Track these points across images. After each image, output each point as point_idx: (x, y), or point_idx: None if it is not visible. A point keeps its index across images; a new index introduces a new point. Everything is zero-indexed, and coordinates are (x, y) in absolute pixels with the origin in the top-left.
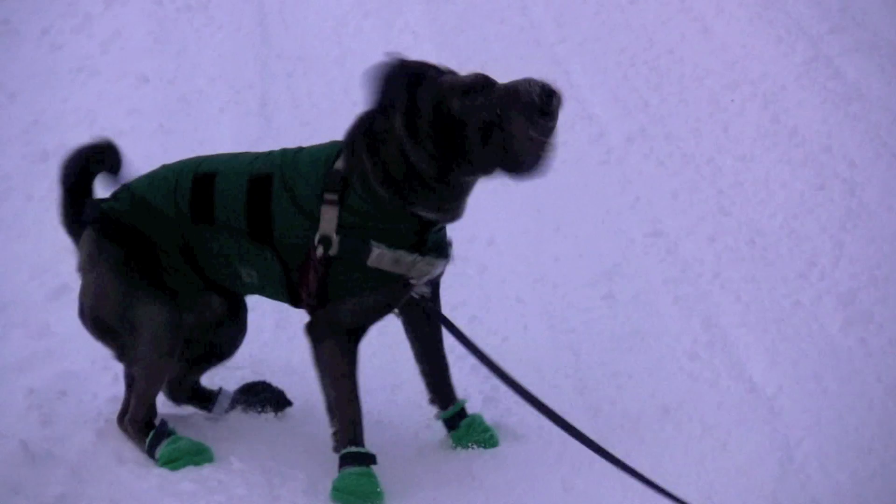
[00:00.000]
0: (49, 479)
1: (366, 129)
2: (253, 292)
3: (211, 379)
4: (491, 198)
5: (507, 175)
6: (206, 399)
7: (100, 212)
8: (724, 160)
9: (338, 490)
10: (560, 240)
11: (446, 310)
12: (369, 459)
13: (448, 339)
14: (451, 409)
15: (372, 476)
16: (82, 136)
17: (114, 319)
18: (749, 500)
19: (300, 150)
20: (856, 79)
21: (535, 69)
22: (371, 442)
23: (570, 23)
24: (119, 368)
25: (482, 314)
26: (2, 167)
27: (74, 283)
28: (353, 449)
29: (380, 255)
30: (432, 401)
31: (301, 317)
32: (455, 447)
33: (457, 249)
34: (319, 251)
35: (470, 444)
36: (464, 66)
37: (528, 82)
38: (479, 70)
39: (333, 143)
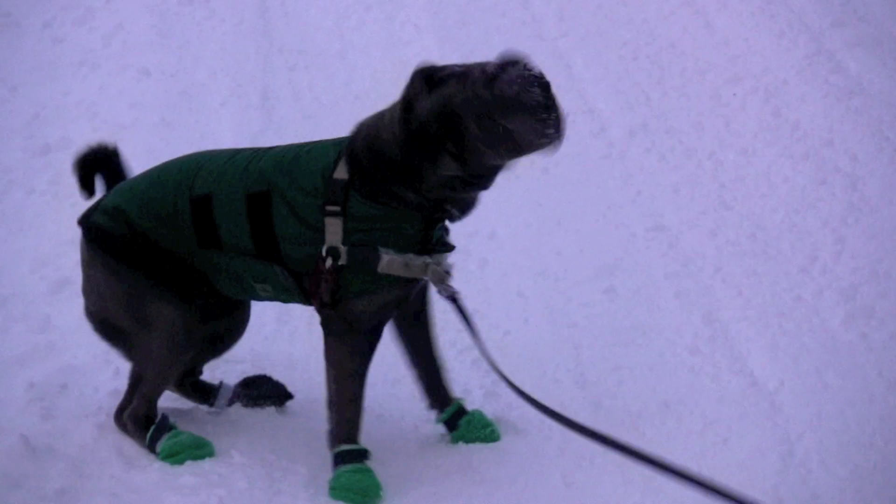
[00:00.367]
0: (50, 472)
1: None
2: (269, 300)
3: (212, 373)
4: (492, 192)
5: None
6: (207, 393)
7: (95, 227)
8: (725, 154)
9: (335, 489)
10: (561, 234)
11: (447, 304)
12: (363, 456)
13: (447, 336)
14: (449, 410)
15: (368, 471)
16: (84, 130)
17: (124, 320)
18: (750, 495)
19: (296, 157)
20: (858, 73)
21: (536, 63)
22: (372, 436)
23: (571, 17)
24: (121, 362)
25: (483, 308)
26: (3, 161)
27: (75, 276)
28: (346, 447)
29: (390, 262)
30: (430, 405)
31: (303, 310)
32: (456, 443)
33: (458, 243)
34: (328, 263)
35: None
36: (465, 60)
37: (523, 80)
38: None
39: (326, 148)
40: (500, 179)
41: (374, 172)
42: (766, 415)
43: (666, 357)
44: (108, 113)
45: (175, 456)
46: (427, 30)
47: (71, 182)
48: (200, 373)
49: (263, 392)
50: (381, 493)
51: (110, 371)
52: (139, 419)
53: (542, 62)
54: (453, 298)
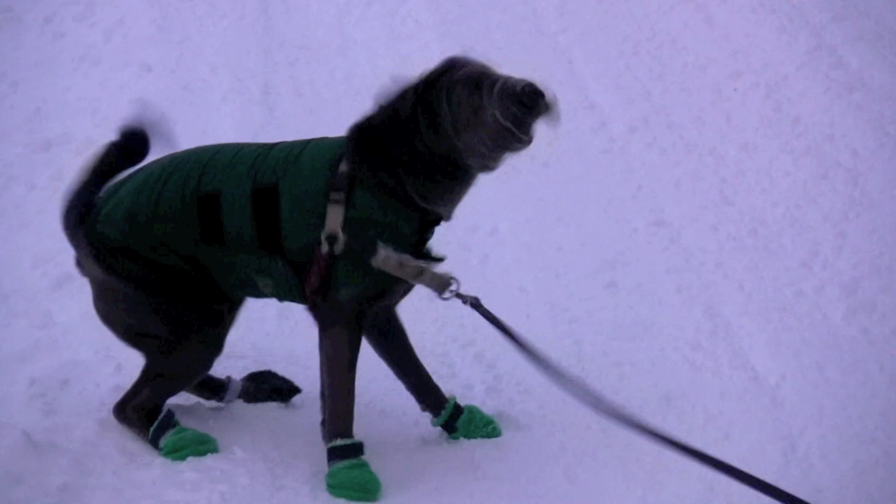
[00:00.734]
0: (52, 468)
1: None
2: (269, 296)
3: (214, 368)
4: (493, 187)
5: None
6: (217, 388)
7: (97, 239)
8: (726, 149)
9: (335, 487)
10: (562, 229)
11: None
12: (357, 450)
13: (448, 332)
14: (444, 414)
15: (364, 466)
16: (85, 125)
17: (156, 328)
18: (751, 490)
19: (300, 153)
20: (858, 68)
21: (537, 58)
22: (374, 432)
23: (572, 12)
24: (123, 358)
25: (485, 303)
26: (4, 156)
27: (77, 272)
28: (340, 442)
29: (386, 258)
30: (424, 409)
31: (304, 307)
32: (457, 439)
33: (459, 238)
34: (325, 248)
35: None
36: (466, 54)
37: (522, 79)
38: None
39: (331, 145)
40: (501, 175)
41: (376, 164)
42: (767, 409)
43: (667, 352)
44: (110, 108)
45: (178, 452)
46: (428, 25)
47: (72, 177)
48: None
49: (270, 386)
50: (380, 486)
51: (112, 367)
52: (145, 412)
53: (543, 57)
54: (476, 305)
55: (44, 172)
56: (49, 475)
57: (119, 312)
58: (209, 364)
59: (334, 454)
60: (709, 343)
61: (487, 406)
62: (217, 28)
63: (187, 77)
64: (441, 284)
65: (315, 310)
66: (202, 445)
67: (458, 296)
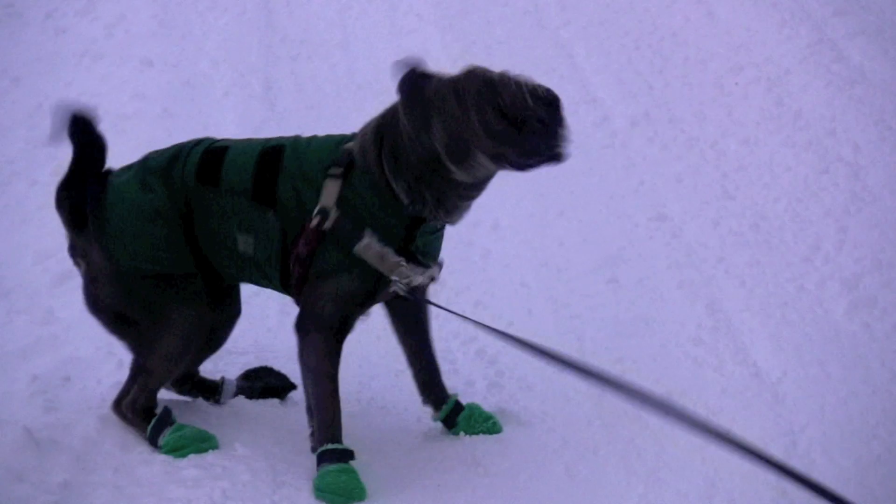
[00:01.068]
0: (53, 465)
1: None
2: (243, 275)
3: (215, 365)
4: (495, 182)
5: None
6: (212, 390)
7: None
8: (728, 144)
9: (320, 490)
10: (564, 224)
11: (450, 294)
12: (347, 455)
13: (450, 327)
14: (445, 409)
15: (352, 472)
16: None
17: (140, 315)
18: (753, 486)
19: (313, 138)
20: (860, 62)
21: (538, 52)
22: (375, 427)
23: (573, 6)
24: (124, 355)
25: (486, 299)
26: (6, 152)
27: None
28: (331, 446)
29: (367, 246)
30: (425, 402)
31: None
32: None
33: (461, 234)
34: (315, 221)
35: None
36: (468, 49)
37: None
38: (481, 54)
39: (343, 136)
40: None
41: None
42: (769, 405)
43: (669, 348)
44: (111, 104)
45: (179, 450)
46: (429, 19)
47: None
48: (197, 372)
49: (266, 383)
50: (366, 496)
51: (113, 363)
52: (140, 410)
53: (544, 52)
54: (412, 293)
55: (45, 168)
56: (50, 472)
57: (109, 290)
58: (184, 360)
59: (324, 458)
60: (710, 339)
61: (489, 402)
62: (218, 23)
63: (189, 72)
64: (401, 276)
65: (298, 315)
66: (203, 443)
67: (411, 296)
